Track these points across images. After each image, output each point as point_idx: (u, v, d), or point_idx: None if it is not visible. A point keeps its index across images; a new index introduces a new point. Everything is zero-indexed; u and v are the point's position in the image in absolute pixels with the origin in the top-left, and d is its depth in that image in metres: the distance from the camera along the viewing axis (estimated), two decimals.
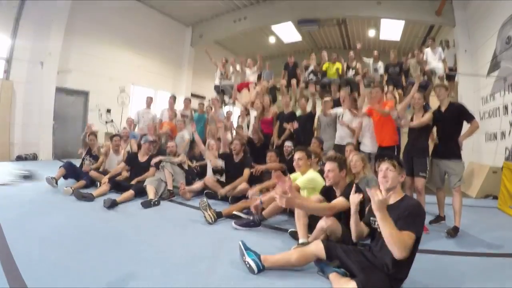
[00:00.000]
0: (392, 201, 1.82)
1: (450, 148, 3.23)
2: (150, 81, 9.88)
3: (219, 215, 3.07)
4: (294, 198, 2.10)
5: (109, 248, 2.25)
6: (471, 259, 2.43)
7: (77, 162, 4.71)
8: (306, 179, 2.90)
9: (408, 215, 1.66)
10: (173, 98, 6.52)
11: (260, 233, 2.86)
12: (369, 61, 6.99)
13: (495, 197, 4.65)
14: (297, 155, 3.10)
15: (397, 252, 1.56)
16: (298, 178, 3.09)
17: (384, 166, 1.87)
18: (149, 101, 6.55)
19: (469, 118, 3.17)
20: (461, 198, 3.16)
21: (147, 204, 3.55)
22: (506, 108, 5.29)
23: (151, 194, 3.77)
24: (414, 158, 3.31)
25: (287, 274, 1.99)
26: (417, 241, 1.64)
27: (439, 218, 3.44)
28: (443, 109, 3.28)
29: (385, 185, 1.84)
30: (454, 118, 3.20)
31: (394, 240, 1.56)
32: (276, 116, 5.37)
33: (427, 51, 6.50)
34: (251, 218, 2.96)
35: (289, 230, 2.71)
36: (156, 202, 3.65)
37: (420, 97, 3.43)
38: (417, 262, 2.25)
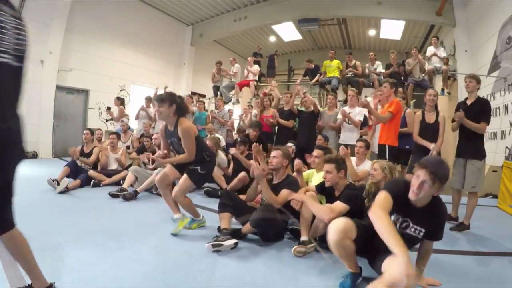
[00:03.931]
0: (420, 205, 1.67)
1: (471, 147, 3.09)
2: (150, 80, 9.87)
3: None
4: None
5: (109, 246, 2.25)
6: (470, 258, 2.43)
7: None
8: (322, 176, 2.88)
9: (441, 226, 1.72)
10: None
11: None
12: (367, 65, 7.00)
13: (495, 196, 4.66)
14: (316, 153, 3.12)
15: None
16: (314, 175, 3.10)
17: (423, 176, 1.57)
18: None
19: (484, 118, 3.03)
20: (476, 200, 3.11)
21: (113, 195, 3.72)
22: (506, 107, 5.31)
23: (127, 183, 3.94)
24: None
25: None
26: None
27: (449, 218, 3.35)
28: (469, 102, 3.13)
29: (414, 197, 1.61)
30: (477, 113, 3.03)
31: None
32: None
33: (430, 49, 6.51)
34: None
35: (290, 227, 2.70)
36: (126, 195, 3.68)
37: (435, 94, 3.35)
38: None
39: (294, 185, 2.61)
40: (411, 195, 1.61)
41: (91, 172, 4.38)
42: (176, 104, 2.49)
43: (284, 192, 2.51)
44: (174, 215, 2.68)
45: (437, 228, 1.70)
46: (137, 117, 6.51)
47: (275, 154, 2.68)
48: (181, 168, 2.67)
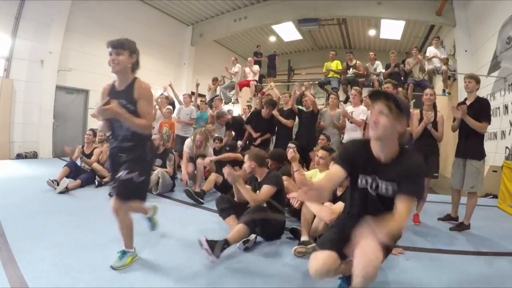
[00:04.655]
0: (386, 158, 1.45)
1: (470, 147, 3.08)
2: (150, 79, 9.76)
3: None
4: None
5: (109, 246, 2.25)
6: (470, 257, 2.43)
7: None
8: None
9: (412, 177, 1.37)
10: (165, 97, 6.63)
11: None
12: (367, 65, 7.01)
13: (495, 196, 4.66)
14: (321, 153, 3.13)
15: (400, 230, 1.33)
16: (316, 175, 3.10)
17: (377, 107, 1.39)
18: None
19: (484, 117, 3.00)
20: (476, 200, 3.10)
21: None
22: (506, 107, 5.30)
23: None
24: (427, 158, 3.19)
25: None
26: None
27: (449, 218, 3.36)
28: (468, 102, 3.11)
29: (374, 134, 1.41)
30: (477, 113, 3.01)
31: (395, 228, 1.30)
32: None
33: (431, 49, 6.50)
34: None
35: (290, 227, 2.70)
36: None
37: (432, 93, 3.35)
38: (416, 261, 2.27)
39: (273, 178, 2.67)
40: (371, 134, 1.43)
41: (95, 165, 4.43)
42: (136, 55, 2.02)
43: (264, 188, 2.58)
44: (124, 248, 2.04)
45: (408, 179, 1.37)
46: None
47: (245, 158, 2.78)
48: (114, 169, 1.96)
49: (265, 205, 2.61)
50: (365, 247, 1.30)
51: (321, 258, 1.40)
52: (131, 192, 1.90)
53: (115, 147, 1.96)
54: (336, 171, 1.50)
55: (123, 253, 2.00)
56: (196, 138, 4.33)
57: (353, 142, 1.66)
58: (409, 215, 1.35)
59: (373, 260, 1.27)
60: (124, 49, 1.92)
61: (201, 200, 3.78)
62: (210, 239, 2.06)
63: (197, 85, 6.84)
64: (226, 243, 2.12)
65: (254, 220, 2.34)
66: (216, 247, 2.03)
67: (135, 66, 2.02)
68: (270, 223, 2.49)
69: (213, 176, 4.04)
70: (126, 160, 1.89)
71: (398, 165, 1.41)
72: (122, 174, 1.85)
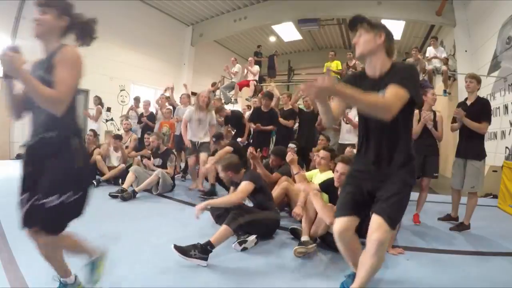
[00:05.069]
0: (381, 74, 1.49)
1: (470, 147, 3.09)
2: (150, 80, 9.88)
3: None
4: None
5: (110, 246, 2.25)
6: (470, 258, 2.44)
7: None
8: (325, 177, 2.89)
9: (399, 75, 1.40)
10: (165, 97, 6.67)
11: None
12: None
13: (495, 196, 4.66)
14: (322, 153, 3.14)
15: (386, 110, 1.26)
16: (317, 175, 3.10)
17: (357, 33, 1.51)
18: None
19: (485, 118, 3.00)
20: (476, 200, 3.10)
21: (113, 195, 3.69)
22: (506, 107, 5.30)
23: (127, 183, 3.91)
24: (427, 157, 3.21)
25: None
26: (410, 108, 1.43)
27: (449, 218, 3.37)
28: (469, 102, 3.11)
29: (358, 51, 1.52)
30: (477, 114, 3.00)
31: (378, 102, 1.28)
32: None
33: (430, 50, 6.50)
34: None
35: (290, 227, 2.70)
36: (124, 196, 3.67)
37: (434, 93, 3.37)
38: (417, 261, 2.27)
39: (248, 174, 2.75)
40: (357, 54, 1.56)
41: (98, 158, 4.46)
42: (72, 19, 1.57)
43: (240, 185, 2.61)
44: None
45: (396, 76, 1.40)
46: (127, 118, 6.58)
47: (219, 169, 2.84)
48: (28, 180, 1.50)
49: (249, 203, 2.65)
50: (375, 227, 1.37)
51: (341, 222, 1.52)
52: (63, 219, 1.42)
53: (33, 145, 1.41)
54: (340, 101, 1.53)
55: (91, 264, 1.65)
56: (201, 93, 4.34)
57: (353, 72, 1.76)
58: (398, 104, 1.28)
59: (383, 236, 1.33)
60: (50, 6, 1.44)
61: (215, 197, 3.81)
62: (180, 245, 2.06)
63: (184, 85, 6.99)
64: (210, 245, 2.09)
65: (240, 223, 2.30)
66: (188, 251, 2.02)
67: (76, 32, 1.58)
68: (260, 222, 2.48)
69: (212, 167, 4.01)
70: (51, 175, 1.39)
71: (389, 74, 1.48)
72: (50, 199, 1.34)
